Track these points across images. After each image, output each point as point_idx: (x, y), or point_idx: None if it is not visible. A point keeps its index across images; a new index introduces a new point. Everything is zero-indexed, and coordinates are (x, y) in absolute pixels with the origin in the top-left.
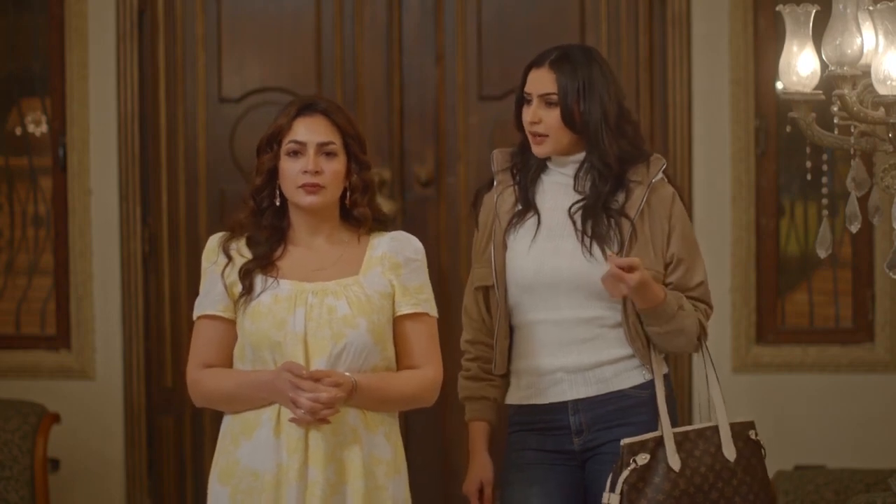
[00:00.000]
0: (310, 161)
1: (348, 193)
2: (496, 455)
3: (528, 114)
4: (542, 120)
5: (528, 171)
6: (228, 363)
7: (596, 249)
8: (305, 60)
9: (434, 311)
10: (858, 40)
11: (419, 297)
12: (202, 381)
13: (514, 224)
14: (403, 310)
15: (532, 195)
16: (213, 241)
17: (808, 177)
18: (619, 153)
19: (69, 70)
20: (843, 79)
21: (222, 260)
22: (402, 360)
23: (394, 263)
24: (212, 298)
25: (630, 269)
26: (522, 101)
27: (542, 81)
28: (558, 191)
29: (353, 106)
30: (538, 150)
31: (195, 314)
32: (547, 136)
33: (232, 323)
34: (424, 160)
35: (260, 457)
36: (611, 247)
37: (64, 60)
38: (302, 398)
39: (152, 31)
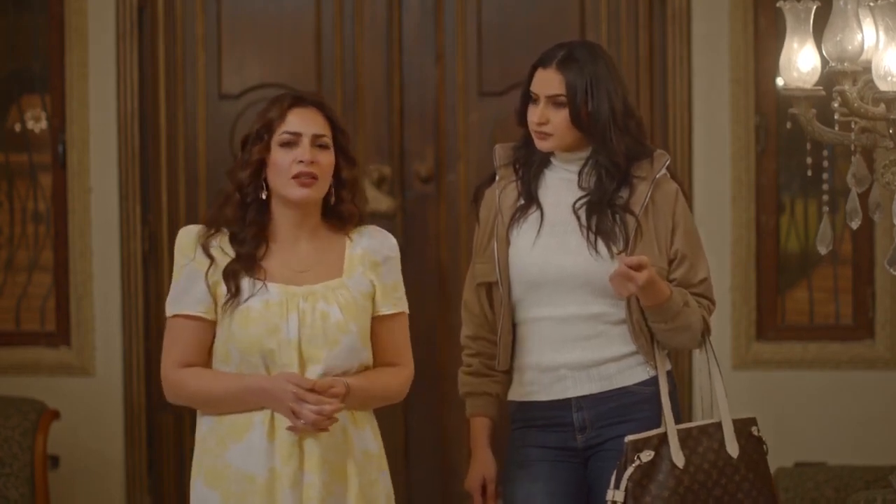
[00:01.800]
0: (306, 151)
1: (334, 190)
2: (497, 451)
3: (534, 114)
4: (550, 121)
5: (530, 166)
6: (207, 363)
7: (601, 246)
8: (305, 59)
9: (406, 307)
10: (859, 36)
11: (395, 296)
12: (184, 381)
13: (517, 219)
14: (383, 310)
15: (535, 190)
16: (189, 235)
17: (809, 174)
18: (626, 150)
19: (69, 68)
20: (844, 75)
21: (203, 258)
22: (378, 357)
23: (373, 262)
24: (192, 298)
25: (639, 267)
26: (527, 98)
27: (549, 82)
28: (562, 186)
29: (353, 104)
30: (542, 145)
31: (170, 311)
32: (552, 134)
33: (212, 324)
34: (424, 158)
35: (252, 460)
36: (616, 243)
37: (64, 59)
38: (305, 410)
39: (152, 29)
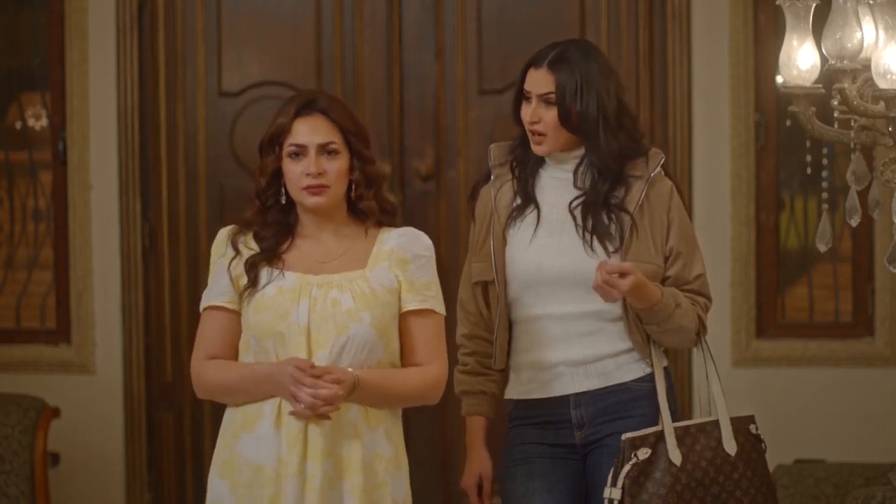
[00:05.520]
0: (311, 163)
1: (353, 188)
2: (494, 450)
3: (527, 113)
4: (542, 119)
5: (526, 165)
6: (234, 355)
7: (597, 245)
8: (305, 56)
9: (441, 309)
10: (858, 34)
11: (426, 294)
12: (206, 372)
13: (514, 218)
14: (409, 306)
15: (531, 189)
16: (223, 233)
17: (808, 171)
18: (619, 149)
19: (69, 65)
20: (844, 73)
21: (230, 252)
22: (406, 357)
23: (401, 259)
24: (217, 290)
25: (622, 274)
26: (521, 97)
27: (541, 81)
28: (558, 186)
29: (353, 101)
30: (537, 149)
31: (202, 305)
32: (545, 134)
33: (237, 315)
34: (424, 155)
35: (261, 450)
36: (612, 242)
37: (64, 55)
38: (302, 393)
39: (152, 25)
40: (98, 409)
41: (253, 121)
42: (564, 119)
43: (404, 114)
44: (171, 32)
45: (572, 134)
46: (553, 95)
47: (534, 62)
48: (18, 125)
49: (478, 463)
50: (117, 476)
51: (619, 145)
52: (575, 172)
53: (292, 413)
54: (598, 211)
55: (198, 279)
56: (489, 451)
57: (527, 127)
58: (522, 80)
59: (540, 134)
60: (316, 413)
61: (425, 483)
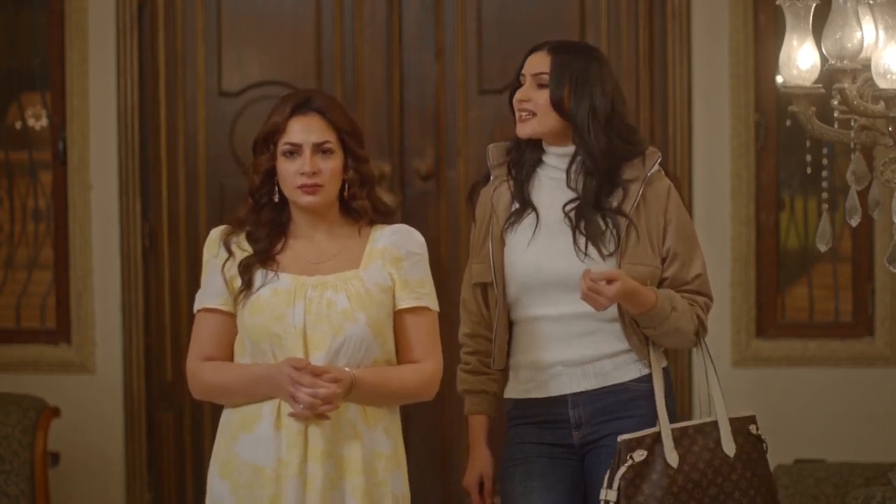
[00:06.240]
0: (306, 162)
1: (346, 187)
2: (495, 449)
3: (519, 93)
4: (532, 99)
5: (523, 166)
6: (229, 356)
7: (591, 248)
8: (305, 56)
9: (435, 306)
10: (858, 34)
11: (420, 291)
12: (202, 373)
13: (512, 221)
14: (404, 303)
15: (528, 191)
16: (215, 233)
17: (808, 171)
18: (609, 149)
19: (69, 65)
20: (844, 73)
21: (223, 254)
22: (402, 354)
23: (395, 257)
24: (212, 292)
25: (609, 280)
26: (517, 87)
27: (537, 63)
28: (554, 186)
29: (353, 101)
30: (522, 128)
31: (195, 307)
32: (534, 114)
33: (232, 316)
34: (424, 155)
35: (261, 451)
36: (606, 245)
37: (64, 55)
38: (300, 393)
39: (152, 26)
40: (98, 409)
41: (253, 121)
42: (556, 101)
43: (404, 114)
44: (171, 32)
45: (561, 119)
46: (545, 76)
47: (535, 48)
48: (18, 125)
49: (479, 461)
50: (117, 476)
51: (608, 143)
52: (567, 171)
53: (292, 415)
54: (592, 213)
55: (198, 279)
56: (491, 450)
57: (516, 107)
58: (521, 67)
59: (527, 113)
60: (315, 413)
61: (424, 480)
